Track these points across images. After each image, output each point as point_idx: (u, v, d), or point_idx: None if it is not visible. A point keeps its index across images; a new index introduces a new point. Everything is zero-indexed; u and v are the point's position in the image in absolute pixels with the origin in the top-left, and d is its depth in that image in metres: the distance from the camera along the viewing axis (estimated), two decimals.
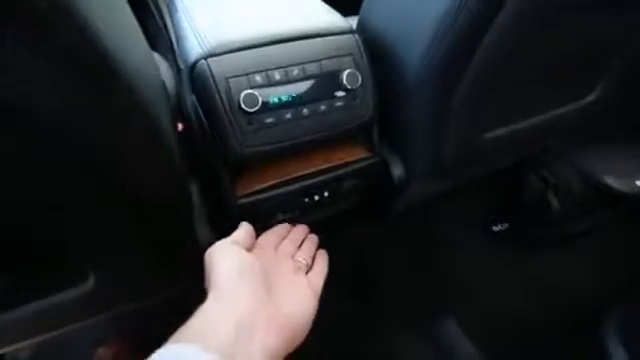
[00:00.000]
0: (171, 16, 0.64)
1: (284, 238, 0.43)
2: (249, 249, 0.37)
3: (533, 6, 0.38)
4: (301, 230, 0.45)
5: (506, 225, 0.78)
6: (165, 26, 0.83)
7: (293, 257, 0.40)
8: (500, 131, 0.58)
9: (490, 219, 0.79)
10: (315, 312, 0.34)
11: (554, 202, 0.65)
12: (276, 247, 0.41)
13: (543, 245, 0.72)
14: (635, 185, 0.63)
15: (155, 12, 0.87)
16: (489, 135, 0.57)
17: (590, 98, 0.65)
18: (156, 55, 0.63)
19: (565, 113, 0.63)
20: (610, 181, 0.63)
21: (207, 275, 0.33)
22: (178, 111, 0.54)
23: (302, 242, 0.44)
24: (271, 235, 0.43)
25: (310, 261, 0.41)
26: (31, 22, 0.17)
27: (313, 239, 0.45)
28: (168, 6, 0.67)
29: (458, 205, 0.79)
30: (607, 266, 0.70)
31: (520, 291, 0.68)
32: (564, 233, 0.69)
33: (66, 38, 0.19)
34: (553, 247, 0.71)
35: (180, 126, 0.55)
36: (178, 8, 0.57)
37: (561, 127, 0.65)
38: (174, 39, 0.64)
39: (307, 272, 0.39)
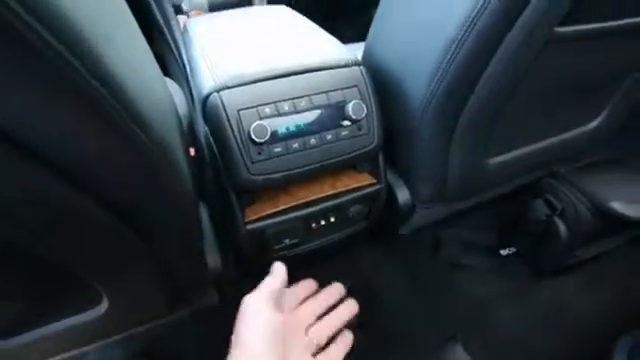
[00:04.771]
0: (185, 45, 0.67)
1: (311, 294, 0.39)
2: (279, 299, 0.35)
3: (543, 24, 0.39)
4: (333, 292, 0.39)
5: (514, 249, 0.78)
6: (179, 54, 0.87)
7: (307, 329, 0.35)
8: (504, 157, 0.59)
9: (498, 243, 0.79)
10: None
11: (561, 227, 0.64)
12: (297, 307, 0.37)
13: (551, 270, 0.71)
14: None
15: (170, 40, 0.91)
16: (493, 161, 0.58)
17: (594, 124, 0.66)
18: (170, 81, 0.66)
19: (569, 139, 0.64)
20: (617, 206, 0.62)
21: (236, 327, 0.32)
22: (191, 136, 0.57)
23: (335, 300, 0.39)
24: (294, 291, 0.38)
25: (324, 340, 0.35)
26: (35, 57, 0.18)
27: (344, 311, 0.38)
28: (182, 35, 0.71)
29: (465, 228, 0.79)
30: (616, 292, 0.69)
31: (528, 316, 0.67)
32: (572, 258, 0.68)
33: (73, 73, 0.20)
34: (561, 272, 0.70)
35: (192, 151, 0.57)
36: (192, 38, 0.60)
37: (566, 152, 0.66)
38: (188, 68, 0.67)
39: (318, 353, 0.35)
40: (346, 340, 0.37)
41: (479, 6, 0.38)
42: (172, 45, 0.94)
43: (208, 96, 0.42)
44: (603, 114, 0.66)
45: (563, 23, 0.41)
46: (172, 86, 0.65)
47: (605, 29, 0.44)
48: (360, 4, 1.31)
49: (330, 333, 0.36)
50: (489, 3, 0.37)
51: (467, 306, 0.68)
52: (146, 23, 0.99)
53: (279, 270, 0.37)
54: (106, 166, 0.28)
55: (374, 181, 0.52)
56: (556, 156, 0.66)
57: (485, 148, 0.56)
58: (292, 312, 0.36)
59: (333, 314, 0.37)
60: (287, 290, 0.37)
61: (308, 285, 0.40)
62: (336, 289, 0.40)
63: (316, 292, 0.39)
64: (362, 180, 0.52)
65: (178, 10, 0.91)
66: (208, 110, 0.42)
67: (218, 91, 0.42)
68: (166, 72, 1.03)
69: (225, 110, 0.41)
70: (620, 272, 0.71)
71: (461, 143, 0.51)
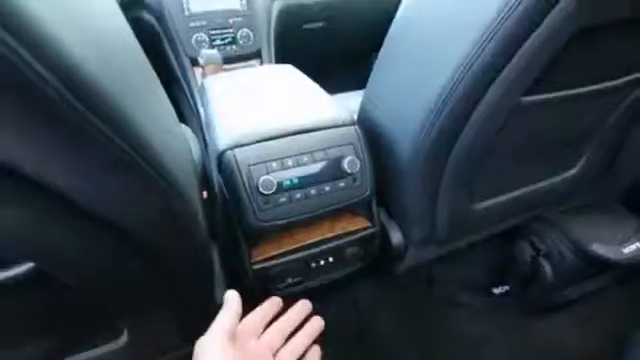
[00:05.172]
0: (203, 101, 0.75)
1: (272, 319, 0.38)
2: (235, 333, 0.34)
3: (509, 96, 0.46)
4: (296, 314, 0.38)
5: (507, 288, 0.81)
6: (195, 103, 0.96)
7: (275, 354, 0.35)
8: (489, 202, 0.64)
9: (491, 282, 0.82)
10: None
11: (547, 269, 0.68)
12: (258, 335, 0.36)
13: (541, 309, 0.74)
14: (622, 252, 0.67)
15: (187, 92, 1.01)
16: (479, 206, 0.64)
17: (573, 171, 0.72)
18: (184, 126, 0.74)
19: (550, 185, 0.70)
20: (598, 249, 0.67)
21: None
22: (204, 179, 0.63)
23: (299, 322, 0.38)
24: (254, 318, 0.37)
25: None
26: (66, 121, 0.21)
27: (310, 329, 0.38)
28: (200, 92, 0.80)
29: (460, 267, 0.83)
30: (604, 331, 0.72)
31: (520, 355, 0.70)
32: (560, 298, 0.72)
33: (98, 132, 0.23)
34: (551, 311, 0.73)
35: (204, 194, 0.63)
36: (209, 96, 0.68)
37: (548, 198, 0.71)
38: (203, 121, 0.75)
39: None
40: (315, 355, 0.37)
41: (455, 78, 0.44)
42: (188, 94, 1.04)
43: (223, 152, 0.48)
44: (581, 162, 0.72)
45: (528, 93, 0.48)
46: (186, 131, 0.73)
47: (566, 96, 0.51)
48: (357, 57, 1.42)
49: (299, 353, 0.36)
50: (464, 75, 0.44)
51: (461, 344, 0.71)
52: (163, 71, 1.09)
53: (232, 301, 0.35)
54: (133, 212, 0.33)
55: (369, 225, 0.58)
56: (539, 202, 0.71)
57: (470, 195, 0.62)
58: (258, 340, 0.35)
59: (300, 333, 0.37)
60: (248, 318, 0.37)
61: (270, 306, 0.39)
62: (302, 306, 0.39)
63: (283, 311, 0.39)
64: (358, 224, 0.58)
65: (194, 62, 1.01)
66: (223, 165, 0.49)
67: (232, 148, 0.48)
68: (180, 117, 1.12)
69: (238, 165, 0.47)
70: (608, 311, 0.74)
71: (447, 191, 0.57)
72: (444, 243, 0.67)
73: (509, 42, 0.40)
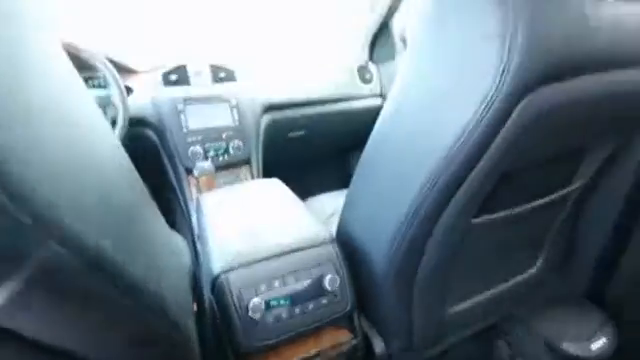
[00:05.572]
0: (198, 214, 0.82)
1: None
2: None
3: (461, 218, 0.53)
4: None
5: None
6: (188, 214, 1.04)
7: None
8: (461, 306, 0.70)
9: None
10: None
11: None
12: None
13: None
14: (590, 349, 0.71)
15: (181, 200, 1.09)
16: (452, 310, 0.69)
17: (533, 271, 0.79)
18: (176, 234, 0.79)
19: (514, 285, 0.76)
20: (568, 347, 0.71)
21: None
22: (194, 290, 0.66)
23: None
24: None
25: None
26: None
27: None
28: (196, 206, 0.87)
29: None
30: None
31: None
32: None
33: (84, 278, 0.25)
34: None
35: (194, 306, 0.66)
36: (203, 211, 0.75)
37: (512, 297, 0.77)
38: (196, 232, 0.81)
39: None
40: None
41: (420, 200, 0.52)
42: (182, 202, 1.11)
43: (218, 277, 0.54)
44: (539, 261, 0.80)
45: (478, 214, 0.57)
46: (178, 239, 0.78)
47: (514, 214, 0.60)
48: (335, 158, 1.57)
49: None
50: (426, 200, 0.51)
51: None
52: (159, 180, 1.18)
53: None
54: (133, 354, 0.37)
55: (351, 336, 0.62)
56: (505, 301, 0.77)
57: (442, 300, 0.67)
58: None
59: None
60: None
61: None
62: None
63: None
64: (341, 336, 0.61)
65: (189, 171, 1.12)
66: (217, 288, 0.54)
67: (226, 272, 0.54)
68: (173, 224, 1.18)
69: (230, 289, 0.53)
70: None
71: (420, 300, 0.63)
72: (423, 350, 0.70)
73: (461, 169, 0.46)
